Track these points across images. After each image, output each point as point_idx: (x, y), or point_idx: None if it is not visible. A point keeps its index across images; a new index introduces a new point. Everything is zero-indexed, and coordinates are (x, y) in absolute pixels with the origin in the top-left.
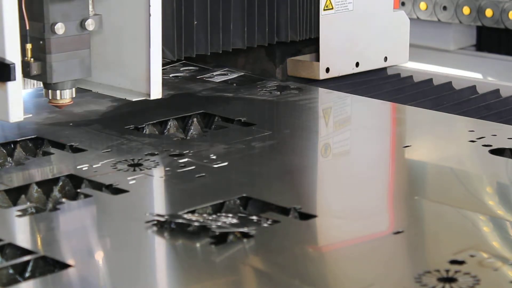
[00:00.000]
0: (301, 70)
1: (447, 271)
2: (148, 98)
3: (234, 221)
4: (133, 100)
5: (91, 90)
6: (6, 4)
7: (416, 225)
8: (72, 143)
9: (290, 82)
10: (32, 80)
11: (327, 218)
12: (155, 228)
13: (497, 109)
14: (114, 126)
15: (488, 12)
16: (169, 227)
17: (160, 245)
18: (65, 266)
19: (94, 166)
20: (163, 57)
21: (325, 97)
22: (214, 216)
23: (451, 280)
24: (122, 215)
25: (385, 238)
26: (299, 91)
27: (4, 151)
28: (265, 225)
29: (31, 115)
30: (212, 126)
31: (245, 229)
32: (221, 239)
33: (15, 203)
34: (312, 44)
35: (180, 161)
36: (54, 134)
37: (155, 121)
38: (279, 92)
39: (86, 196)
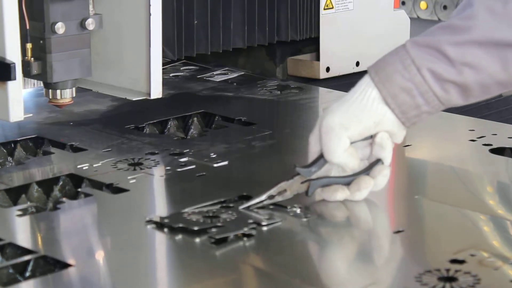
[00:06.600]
0: (302, 70)
1: (448, 270)
2: (148, 98)
3: (234, 216)
4: (133, 99)
5: (91, 90)
6: (6, 3)
7: (416, 224)
8: (73, 143)
9: (291, 81)
10: (32, 80)
11: (326, 218)
12: (155, 226)
13: (497, 108)
14: (114, 125)
15: None
16: (169, 226)
17: (160, 245)
18: (66, 265)
19: (94, 165)
20: (163, 57)
21: (326, 97)
22: (214, 211)
23: (451, 279)
24: (122, 214)
25: (385, 238)
26: (300, 91)
27: (4, 150)
28: (265, 223)
29: (31, 115)
30: (212, 125)
31: (245, 230)
32: (221, 238)
33: (15, 203)
34: (312, 44)
35: (181, 160)
36: (55, 134)
37: (155, 121)
38: (279, 92)
39: (87, 195)
